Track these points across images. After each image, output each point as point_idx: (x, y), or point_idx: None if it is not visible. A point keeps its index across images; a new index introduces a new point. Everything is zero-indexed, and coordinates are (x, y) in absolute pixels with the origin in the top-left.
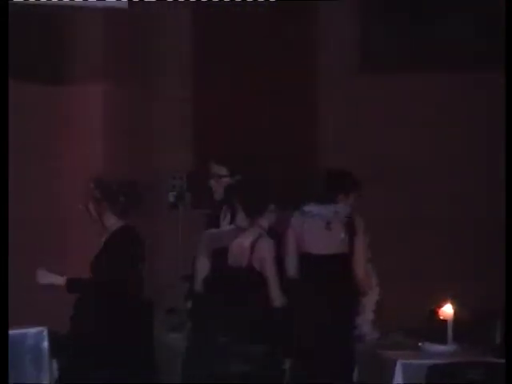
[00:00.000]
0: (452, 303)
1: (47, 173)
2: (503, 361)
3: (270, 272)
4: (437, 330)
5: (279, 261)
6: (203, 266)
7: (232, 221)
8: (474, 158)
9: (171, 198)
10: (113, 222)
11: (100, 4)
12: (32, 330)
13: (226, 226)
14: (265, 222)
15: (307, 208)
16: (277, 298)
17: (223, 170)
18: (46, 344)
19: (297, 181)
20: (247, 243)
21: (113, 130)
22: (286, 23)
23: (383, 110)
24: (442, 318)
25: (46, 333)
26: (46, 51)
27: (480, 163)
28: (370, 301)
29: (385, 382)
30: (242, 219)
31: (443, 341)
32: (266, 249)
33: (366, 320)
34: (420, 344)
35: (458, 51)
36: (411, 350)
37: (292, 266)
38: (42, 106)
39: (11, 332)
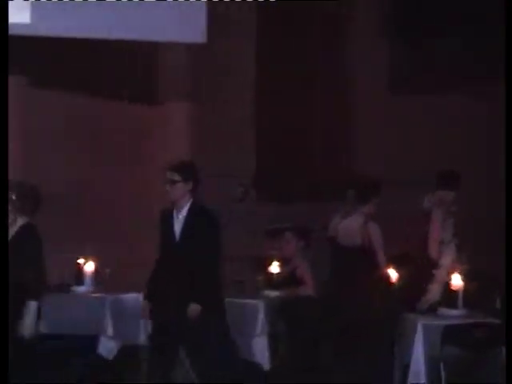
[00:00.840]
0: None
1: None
2: (502, 321)
3: (380, 247)
4: (450, 297)
5: None
6: None
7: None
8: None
9: (239, 193)
10: (18, 219)
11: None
12: (131, 295)
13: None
14: (367, 209)
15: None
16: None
17: (176, 176)
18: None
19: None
20: (356, 225)
21: (195, 140)
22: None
23: (406, 121)
24: (453, 288)
25: (140, 297)
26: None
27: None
28: (440, 274)
29: (408, 340)
30: (349, 207)
31: (455, 306)
32: (376, 229)
33: (434, 288)
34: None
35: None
36: (430, 314)
37: None
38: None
39: (122, 296)
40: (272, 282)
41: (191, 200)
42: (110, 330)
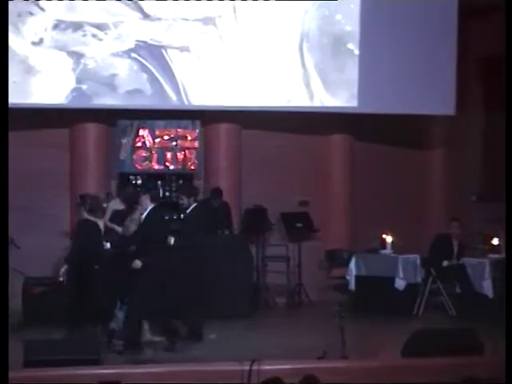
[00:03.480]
0: None
1: None
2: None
3: None
4: None
5: None
6: None
7: None
8: None
9: (473, 198)
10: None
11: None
12: (412, 256)
13: None
14: None
15: None
16: None
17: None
18: (418, 260)
19: None
20: None
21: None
22: None
23: None
24: None
25: (419, 258)
26: None
27: None
28: None
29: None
30: None
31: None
32: None
33: None
34: None
35: None
36: None
37: None
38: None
39: (407, 256)
40: (493, 249)
41: (195, 203)
42: (401, 274)
